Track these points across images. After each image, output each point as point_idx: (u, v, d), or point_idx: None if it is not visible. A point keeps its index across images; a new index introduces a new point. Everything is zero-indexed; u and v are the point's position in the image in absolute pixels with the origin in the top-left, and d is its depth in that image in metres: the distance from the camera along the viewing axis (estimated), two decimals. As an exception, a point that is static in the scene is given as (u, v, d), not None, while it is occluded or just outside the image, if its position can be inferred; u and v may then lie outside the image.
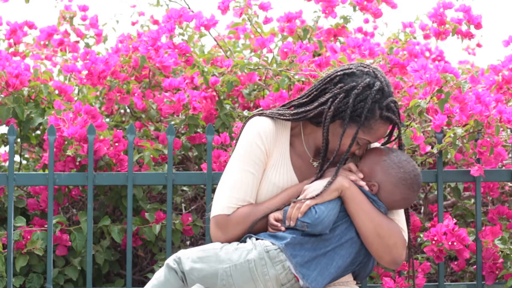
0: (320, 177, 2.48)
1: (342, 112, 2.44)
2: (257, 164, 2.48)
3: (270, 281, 2.38)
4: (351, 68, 2.49)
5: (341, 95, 2.44)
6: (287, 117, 2.50)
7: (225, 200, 2.48)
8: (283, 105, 2.57)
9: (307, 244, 2.40)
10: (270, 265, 2.38)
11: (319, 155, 2.50)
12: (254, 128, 2.50)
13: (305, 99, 2.51)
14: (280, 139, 2.53)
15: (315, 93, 2.50)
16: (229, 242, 2.46)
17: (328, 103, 2.45)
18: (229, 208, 2.47)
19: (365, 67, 2.49)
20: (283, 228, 2.44)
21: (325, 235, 2.42)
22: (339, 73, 2.48)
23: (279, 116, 2.51)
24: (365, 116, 2.42)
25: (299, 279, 2.39)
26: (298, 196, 2.46)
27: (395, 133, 2.57)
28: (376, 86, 2.44)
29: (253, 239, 2.44)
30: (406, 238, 2.52)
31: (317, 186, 2.44)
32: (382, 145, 2.62)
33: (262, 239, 2.42)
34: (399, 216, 2.54)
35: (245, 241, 2.46)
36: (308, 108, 2.49)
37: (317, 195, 2.41)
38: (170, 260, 2.43)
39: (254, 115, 2.55)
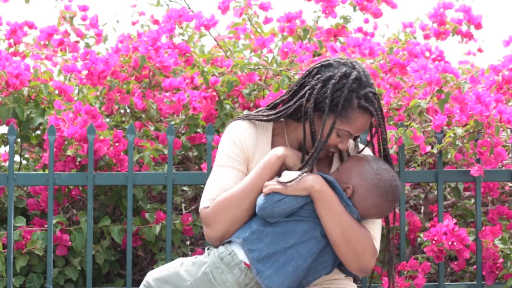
0: (301, 168, 2.42)
1: (321, 103, 2.41)
2: (234, 160, 2.46)
3: (231, 286, 2.35)
4: (328, 60, 2.47)
5: (318, 86, 2.41)
6: (268, 118, 2.49)
7: (204, 196, 2.45)
8: (267, 106, 2.56)
9: (267, 238, 2.36)
10: (227, 271, 2.36)
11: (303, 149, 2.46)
12: (230, 130, 2.50)
13: (286, 96, 2.50)
14: (262, 140, 2.51)
15: (295, 88, 2.49)
16: (220, 237, 2.41)
17: (306, 95, 2.43)
18: (207, 201, 2.43)
19: (342, 59, 2.46)
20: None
21: (286, 228, 2.36)
22: (317, 66, 2.47)
23: (262, 118, 2.49)
24: (342, 105, 2.38)
25: (254, 275, 2.35)
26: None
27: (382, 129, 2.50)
28: (353, 76, 2.40)
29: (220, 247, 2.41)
30: (378, 247, 2.46)
31: (290, 176, 2.39)
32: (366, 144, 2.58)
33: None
34: (374, 225, 2.48)
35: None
36: (288, 104, 2.47)
37: (282, 184, 2.36)
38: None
39: (237, 118, 2.54)
